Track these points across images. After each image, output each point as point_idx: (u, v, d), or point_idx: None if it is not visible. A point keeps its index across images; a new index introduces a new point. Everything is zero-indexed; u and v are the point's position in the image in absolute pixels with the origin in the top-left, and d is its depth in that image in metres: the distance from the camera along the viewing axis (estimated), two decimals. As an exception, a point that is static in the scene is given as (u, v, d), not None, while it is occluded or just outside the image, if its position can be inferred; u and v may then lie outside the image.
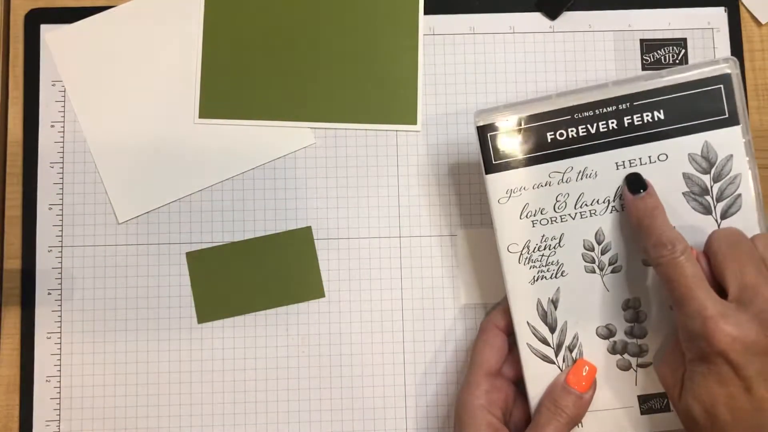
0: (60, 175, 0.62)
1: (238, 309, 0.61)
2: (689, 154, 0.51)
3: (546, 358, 0.53)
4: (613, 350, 0.53)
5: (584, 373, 0.52)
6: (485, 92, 0.63)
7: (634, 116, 0.51)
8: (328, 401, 0.60)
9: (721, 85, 0.51)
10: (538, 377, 0.53)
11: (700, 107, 0.51)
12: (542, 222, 0.53)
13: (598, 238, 0.52)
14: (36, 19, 0.63)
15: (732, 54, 0.64)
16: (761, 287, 0.45)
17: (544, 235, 0.53)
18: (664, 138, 0.51)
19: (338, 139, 0.62)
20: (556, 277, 0.53)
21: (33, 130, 0.62)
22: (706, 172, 0.51)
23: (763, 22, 0.64)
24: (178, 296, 0.61)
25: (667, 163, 0.51)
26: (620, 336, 0.53)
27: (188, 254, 0.61)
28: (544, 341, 0.53)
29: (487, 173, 0.53)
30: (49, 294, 0.60)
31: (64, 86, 0.62)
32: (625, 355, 0.53)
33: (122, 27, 0.63)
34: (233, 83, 0.62)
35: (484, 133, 0.53)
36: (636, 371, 0.53)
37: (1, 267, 0.61)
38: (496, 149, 0.53)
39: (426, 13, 0.64)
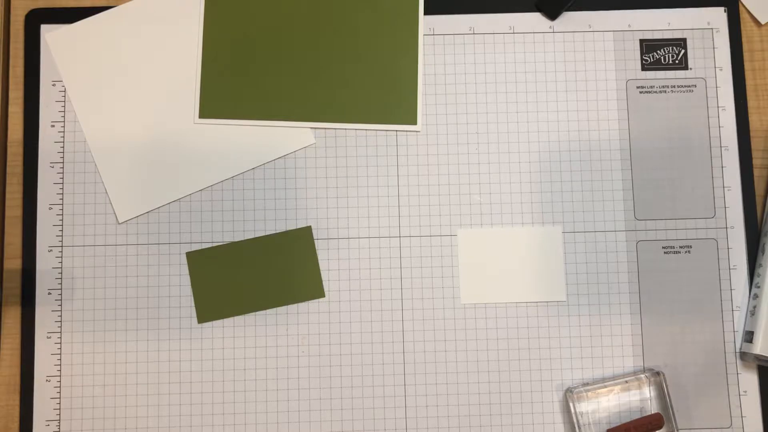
0: (60, 175, 0.62)
1: (238, 309, 0.61)
2: None
3: None
4: None
5: None
6: (485, 92, 0.63)
7: None
8: (328, 401, 0.60)
9: None
10: None
11: None
12: None
13: None
14: (36, 19, 0.63)
15: (732, 54, 0.64)
16: None
17: None
18: None
19: (338, 139, 0.62)
20: None
21: (33, 130, 0.62)
22: None
23: (763, 22, 0.64)
24: (178, 296, 0.61)
25: None
26: None
27: (188, 254, 0.61)
28: None
29: None
30: (49, 294, 0.61)
31: (64, 86, 0.62)
32: None
33: (122, 27, 0.63)
34: (233, 83, 0.62)
35: None
36: None
37: (1, 267, 0.61)
38: None
39: (426, 13, 0.64)
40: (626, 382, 0.60)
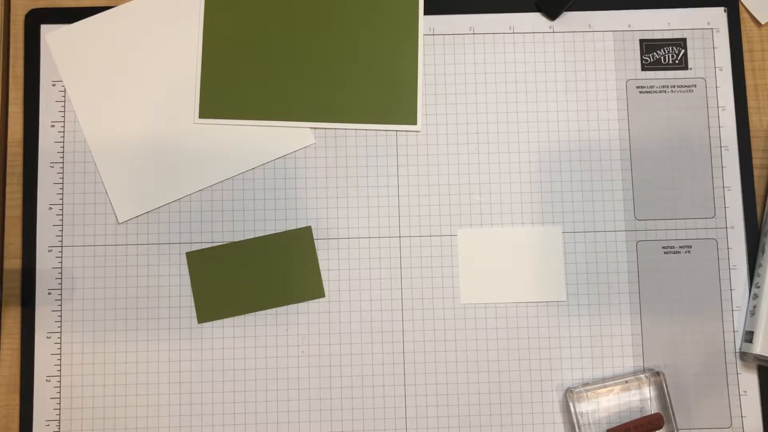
0: (60, 175, 0.62)
1: (238, 309, 0.61)
2: None
3: None
4: None
5: None
6: (485, 92, 0.63)
7: None
8: (328, 401, 0.60)
9: None
10: None
11: None
12: None
13: None
14: (36, 19, 0.63)
15: (732, 54, 0.64)
16: None
17: None
18: None
19: (338, 139, 0.62)
20: None
21: (33, 130, 0.62)
22: None
23: (763, 22, 0.64)
24: (178, 296, 0.61)
25: None
26: None
27: (188, 254, 0.61)
28: None
29: None
30: (49, 294, 0.60)
31: (64, 86, 0.62)
32: None
33: (122, 27, 0.63)
34: (233, 83, 0.62)
35: None
36: None
37: (1, 267, 0.61)
38: None
39: (426, 13, 0.64)
40: (626, 382, 0.60)
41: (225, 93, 0.62)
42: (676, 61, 0.64)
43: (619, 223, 0.62)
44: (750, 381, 0.61)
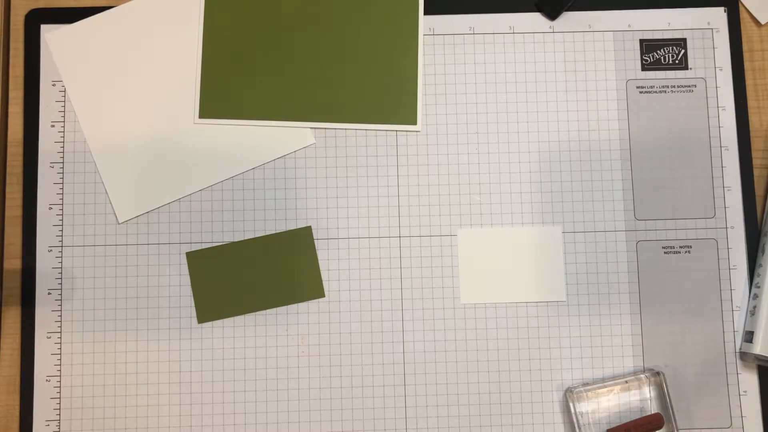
0: (60, 175, 0.62)
1: (238, 309, 0.61)
2: None
3: None
4: None
5: None
6: (485, 92, 0.63)
7: None
8: (328, 401, 0.60)
9: None
10: None
11: None
12: None
13: None
14: (36, 19, 0.63)
15: (732, 54, 0.64)
16: None
17: None
18: None
19: (338, 139, 0.62)
20: None
21: (33, 130, 0.62)
22: None
23: (763, 22, 0.64)
24: (178, 296, 0.61)
25: None
26: None
27: (188, 254, 0.61)
28: None
29: None
30: (49, 294, 0.61)
31: (64, 86, 0.62)
32: None
33: (122, 27, 0.63)
34: (233, 83, 0.62)
35: None
36: None
37: (1, 267, 0.61)
38: None
39: (426, 13, 0.64)
40: (626, 382, 0.60)
41: (225, 93, 0.62)
42: (676, 61, 0.64)
43: (619, 223, 0.62)
44: (750, 381, 0.61)
